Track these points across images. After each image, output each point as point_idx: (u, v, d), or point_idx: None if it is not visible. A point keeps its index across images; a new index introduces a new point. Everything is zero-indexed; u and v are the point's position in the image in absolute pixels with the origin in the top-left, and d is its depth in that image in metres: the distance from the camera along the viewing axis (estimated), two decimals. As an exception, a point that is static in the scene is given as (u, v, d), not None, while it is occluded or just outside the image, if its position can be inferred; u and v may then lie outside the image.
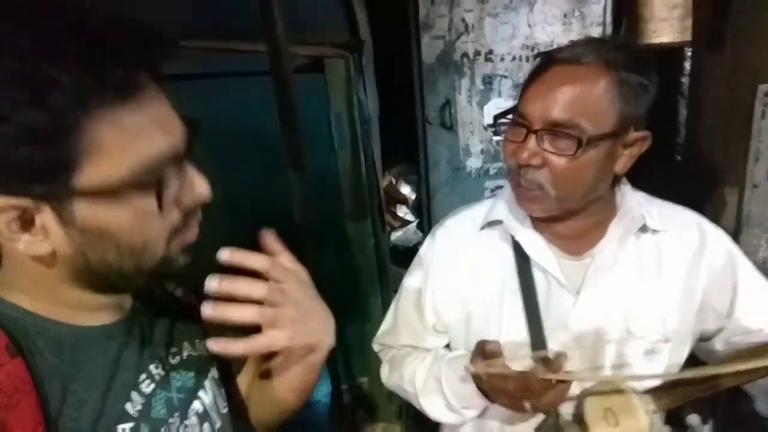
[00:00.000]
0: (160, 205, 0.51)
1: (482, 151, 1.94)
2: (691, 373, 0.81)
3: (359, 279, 1.94)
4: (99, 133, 0.45)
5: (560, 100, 0.77)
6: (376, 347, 1.15)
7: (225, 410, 0.74)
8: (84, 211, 0.48)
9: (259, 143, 1.55)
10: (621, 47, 0.80)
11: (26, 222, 0.47)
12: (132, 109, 0.47)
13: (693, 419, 1.74)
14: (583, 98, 0.77)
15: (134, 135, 0.48)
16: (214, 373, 0.74)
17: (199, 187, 0.55)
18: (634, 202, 0.91)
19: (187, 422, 0.64)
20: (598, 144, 0.79)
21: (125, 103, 0.47)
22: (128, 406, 0.57)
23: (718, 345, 0.93)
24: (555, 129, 0.78)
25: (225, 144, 1.50)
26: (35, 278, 0.53)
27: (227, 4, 1.46)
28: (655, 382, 0.89)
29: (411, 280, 1.08)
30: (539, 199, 0.84)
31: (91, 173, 0.46)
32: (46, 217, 0.47)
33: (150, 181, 0.49)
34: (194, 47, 1.24)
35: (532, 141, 0.80)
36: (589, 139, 0.77)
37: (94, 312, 0.58)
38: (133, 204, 0.49)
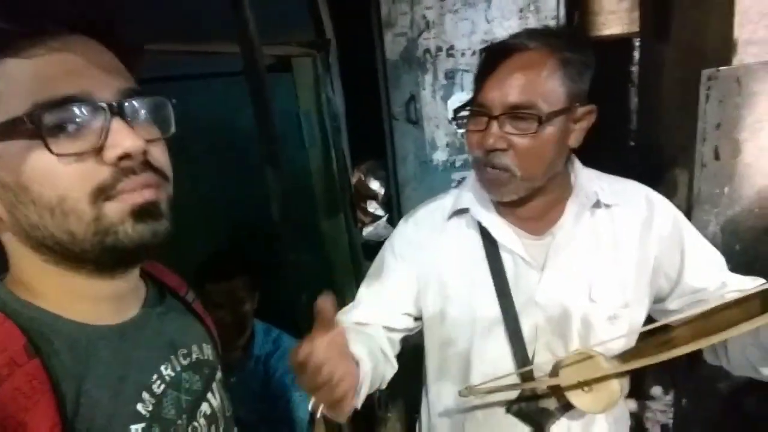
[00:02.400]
0: (49, 149, 0.48)
1: (447, 144, 1.99)
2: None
3: (334, 275, 1.96)
4: None
5: (516, 85, 0.85)
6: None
7: (229, 413, 0.75)
8: None
9: (231, 143, 1.56)
10: (557, 32, 0.90)
11: None
12: (14, 60, 0.48)
13: (656, 390, 1.85)
14: (535, 80, 0.85)
15: (29, 77, 0.48)
16: (219, 376, 0.75)
17: (122, 140, 0.50)
18: (586, 179, 0.98)
19: (195, 424, 0.65)
20: (553, 120, 0.86)
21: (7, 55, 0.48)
22: (140, 407, 0.57)
23: (671, 305, 1.00)
24: (515, 111, 0.85)
25: (199, 145, 1.49)
26: (25, 266, 0.55)
27: (193, 6, 1.46)
28: (622, 346, 0.94)
29: (380, 267, 1.10)
30: (507, 182, 0.90)
31: None
32: None
33: (32, 125, 0.47)
34: (163, 50, 1.24)
35: (494, 126, 0.87)
36: (547, 116, 0.84)
37: (104, 308, 0.58)
38: (43, 148, 0.48)
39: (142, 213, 0.53)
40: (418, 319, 1.09)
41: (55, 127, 0.48)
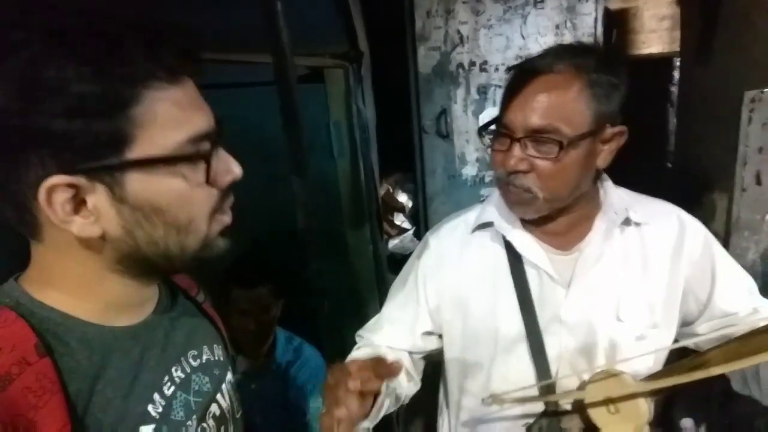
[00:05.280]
0: (207, 179, 0.54)
1: (477, 160, 1.98)
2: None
3: (358, 286, 1.96)
4: (152, 108, 0.49)
5: (538, 108, 0.83)
6: (357, 339, 1.14)
7: (239, 415, 0.75)
8: (136, 185, 0.50)
9: (261, 151, 1.58)
10: (588, 51, 0.87)
11: (78, 204, 0.49)
12: (179, 90, 0.52)
13: (686, 422, 1.77)
14: (558, 104, 0.83)
15: (182, 111, 0.52)
16: (230, 377, 0.75)
17: (232, 166, 0.59)
18: (616, 197, 0.96)
19: (204, 425, 0.65)
20: (578, 144, 0.84)
21: (174, 83, 0.51)
22: (150, 408, 0.58)
23: (699, 329, 0.97)
24: (536, 135, 0.84)
25: (228, 153, 1.51)
26: (75, 271, 0.54)
27: (227, 15, 1.49)
28: (649, 369, 0.92)
29: (403, 285, 1.10)
30: (529, 202, 0.89)
31: (145, 145, 0.49)
32: (98, 196, 0.50)
33: (198, 155, 0.53)
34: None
35: (516, 148, 0.86)
36: (569, 141, 0.82)
37: (122, 312, 0.59)
38: (183, 176, 0.53)
39: (225, 230, 0.61)
40: (441, 336, 1.08)
41: (203, 158, 0.54)
